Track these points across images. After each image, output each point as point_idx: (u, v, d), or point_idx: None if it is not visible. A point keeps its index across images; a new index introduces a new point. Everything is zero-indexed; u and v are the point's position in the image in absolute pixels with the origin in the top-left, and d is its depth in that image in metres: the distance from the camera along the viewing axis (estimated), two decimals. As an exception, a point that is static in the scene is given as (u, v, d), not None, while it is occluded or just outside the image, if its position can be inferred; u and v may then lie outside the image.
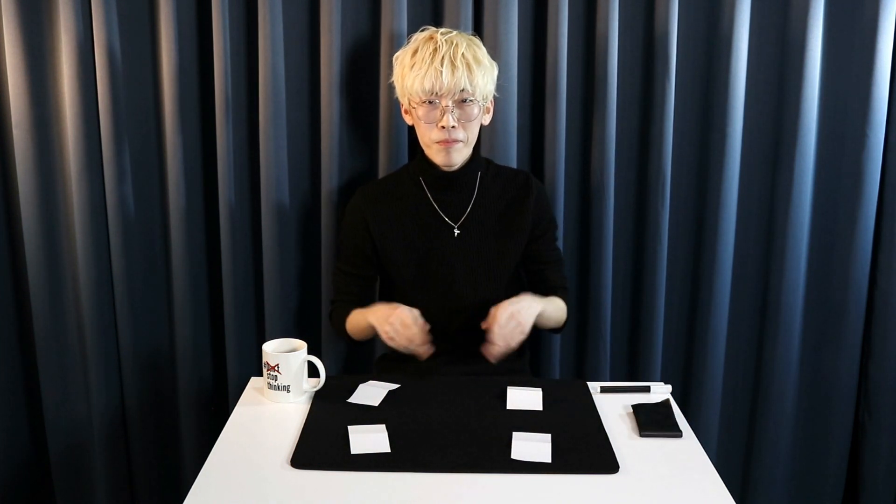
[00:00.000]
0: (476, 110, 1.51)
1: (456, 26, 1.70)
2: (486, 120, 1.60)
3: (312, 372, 1.42)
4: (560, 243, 1.81)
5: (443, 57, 1.45)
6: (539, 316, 1.49)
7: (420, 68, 1.47)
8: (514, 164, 1.78)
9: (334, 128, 1.75)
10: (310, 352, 1.40)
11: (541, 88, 1.79)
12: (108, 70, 1.73)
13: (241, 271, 1.85)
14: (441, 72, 1.45)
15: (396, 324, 1.42)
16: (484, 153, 1.75)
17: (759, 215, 1.89)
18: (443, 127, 1.49)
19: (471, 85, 1.47)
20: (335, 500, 1.09)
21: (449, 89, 1.46)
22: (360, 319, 1.57)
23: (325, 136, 1.76)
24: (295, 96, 1.78)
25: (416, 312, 1.44)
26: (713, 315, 1.88)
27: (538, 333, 1.87)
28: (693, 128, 1.84)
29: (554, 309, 1.59)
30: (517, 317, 1.43)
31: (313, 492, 1.11)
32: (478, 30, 1.74)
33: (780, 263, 1.87)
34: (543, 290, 1.63)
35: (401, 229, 1.60)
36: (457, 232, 1.59)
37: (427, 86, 1.46)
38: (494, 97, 1.60)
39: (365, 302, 1.63)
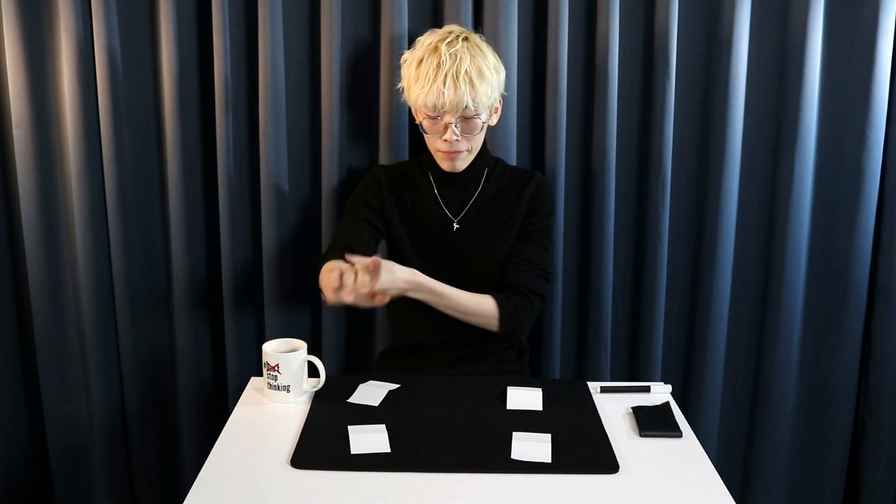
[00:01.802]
0: (480, 123, 1.53)
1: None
2: (494, 121, 1.62)
3: (312, 372, 1.42)
4: (560, 244, 1.81)
5: (446, 74, 1.45)
6: (429, 302, 1.48)
7: (424, 85, 1.47)
8: (513, 163, 1.78)
9: (334, 127, 1.75)
10: (310, 352, 1.40)
11: (541, 88, 1.79)
12: (108, 70, 1.73)
13: (241, 271, 1.85)
14: (443, 92, 1.45)
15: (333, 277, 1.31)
16: (484, 153, 1.75)
17: (759, 215, 1.88)
18: (446, 139, 1.51)
19: (473, 102, 1.48)
20: (335, 500, 1.09)
21: (451, 107, 1.47)
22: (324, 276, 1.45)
23: (325, 135, 1.77)
24: (295, 96, 1.78)
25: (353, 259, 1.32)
26: (713, 315, 1.88)
27: (538, 333, 1.87)
28: (693, 128, 1.84)
29: (464, 304, 1.51)
30: (383, 271, 1.32)
31: (313, 492, 1.11)
32: (477, 30, 1.74)
33: (780, 263, 1.86)
34: (496, 287, 1.58)
35: (406, 217, 1.62)
36: (456, 226, 1.61)
37: (429, 103, 1.48)
38: (503, 96, 1.60)
39: (361, 248, 1.53)
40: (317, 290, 1.87)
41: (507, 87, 1.73)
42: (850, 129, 1.82)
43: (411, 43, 1.70)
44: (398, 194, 1.64)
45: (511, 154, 1.77)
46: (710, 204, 1.84)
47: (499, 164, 1.67)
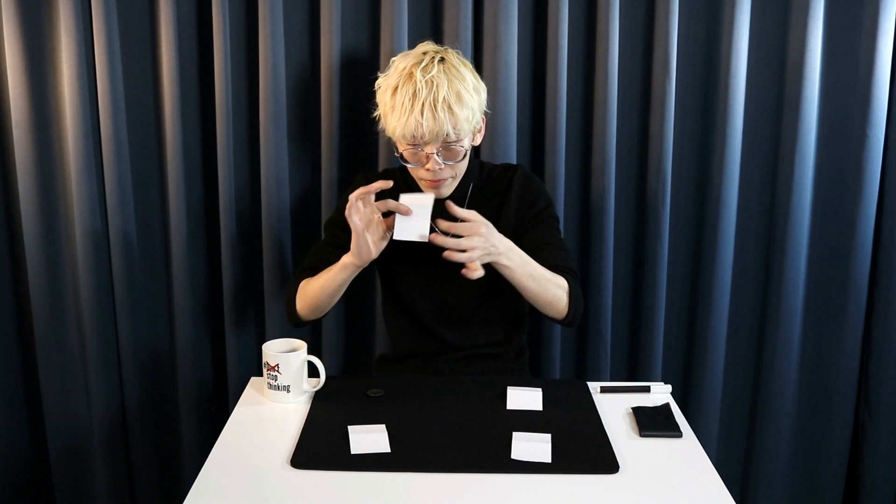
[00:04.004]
0: (463, 149, 1.46)
1: (456, 26, 1.70)
2: (478, 140, 1.54)
3: (312, 372, 1.42)
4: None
5: (423, 103, 1.37)
6: (515, 270, 1.39)
7: (401, 115, 1.40)
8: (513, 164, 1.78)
9: (334, 128, 1.76)
10: (310, 352, 1.40)
11: (541, 88, 1.79)
12: (108, 70, 1.73)
13: (241, 271, 1.85)
14: (422, 122, 1.38)
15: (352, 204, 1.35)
16: (484, 154, 1.75)
17: (759, 215, 1.89)
18: (429, 169, 1.46)
19: (454, 129, 1.40)
20: (335, 500, 1.09)
21: (432, 137, 1.40)
22: (316, 279, 1.49)
23: (325, 135, 1.77)
24: (295, 96, 1.78)
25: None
26: (713, 315, 1.88)
27: (538, 333, 1.88)
28: (693, 128, 1.84)
29: (545, 277, 1.43)
30: (478, 227, 1.33)
31: (313, 492, 1.11)
32: (477, 30, 1.74)
33: (780, 263, 1.87)
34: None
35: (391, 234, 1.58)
36: None
37: (408, 133, 1.40)
38: (486, 114, 1.53)
39: None
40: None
41: (507, 88, 1.73)
42: (850, 129, 1.82)
43: (410, 44, 1.71)
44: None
45: (511, 155, 1.77)
46: (710, 204, 1.84)
47: (483, 169, 1.61)
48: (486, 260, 1.37)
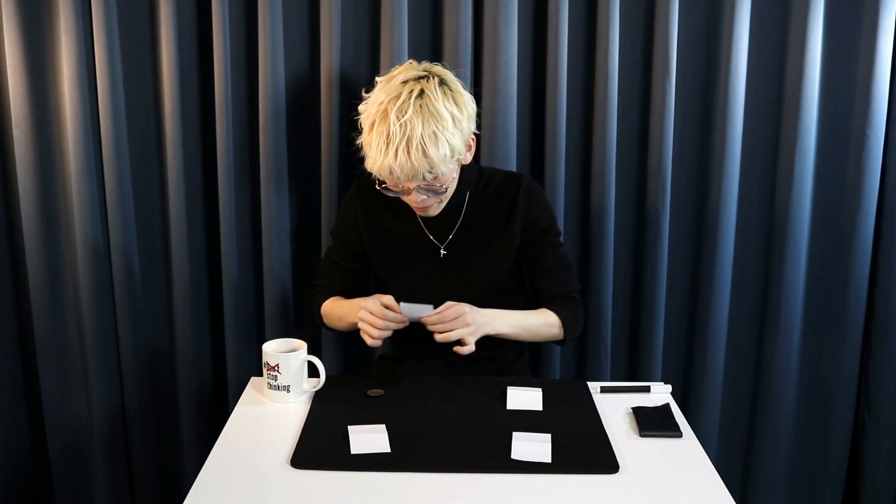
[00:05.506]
0: (444, 185, 1.45)
1: (456, 27, 1.70)
2: (468, 158, 1.50)
3: (312, 372, 1.42)
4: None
5: (396, 148, 1.34)
6: (507, 333, 1.49)
7: (376, 156, 1.37)
8: (514, 165, 1.78)
9: (334, 128, 1.75)
10: (310, 352, 1.40)
11: (541, 88, 1.79)
12: (108, 70, 1.73)
13: (241, 271, 1.85)
14: (395, 167, 1.35)
15: (366, 318, 1.40)
16: (484, 155, 1.75)
17: (759, 215, 1.89)
18: (411, 199, 1.46)
19: (430, 171, 1.37)
20: (335, 500, 1.09)
21: (407, 178, 1.38)
22: (337, 309, 1.58)
23: (325, 136, 1.76)
24: (295, 96, 1.78)
25: (384, 300, 1.41)
26: (713, 315, 1.88)
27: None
28: (693, 128, 1.84)
29: (535, 324, 1.53)
30: (464, 316, 1.40)
31: (313, 492, 1.11)
32: (477, 30, 1.74)
33: (780, 263, 1.87)
34: (541, 301, 1.59)
35: (389, 241, 1.59)
36: (443, 253, 1.57)
37: (384, 174, 1.39)
38: (476, 135, 1.50)
39: (347, 292, 1.62)
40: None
41: (507, 88, 1.73)
42: (850, 129, 1.82)
43: (410, 45, 1.71)
44: (377, 218, 1.59)
45: (511, 156, 1.77)
46: (710, 204, 1.84)
47: (482, 175, 1.59)
48: (478, 336, 1.43)
